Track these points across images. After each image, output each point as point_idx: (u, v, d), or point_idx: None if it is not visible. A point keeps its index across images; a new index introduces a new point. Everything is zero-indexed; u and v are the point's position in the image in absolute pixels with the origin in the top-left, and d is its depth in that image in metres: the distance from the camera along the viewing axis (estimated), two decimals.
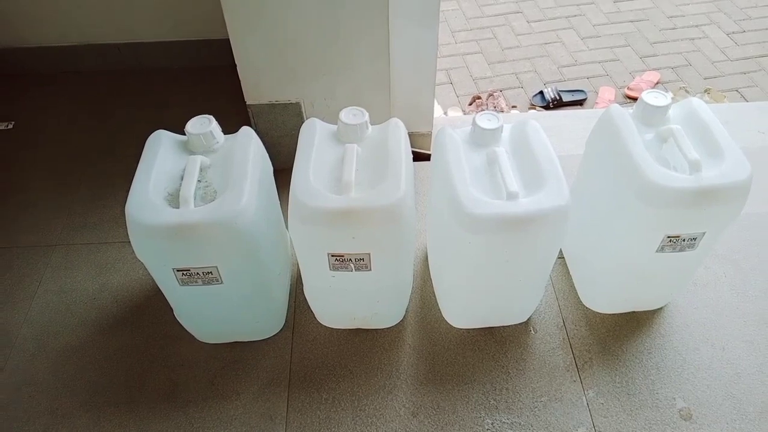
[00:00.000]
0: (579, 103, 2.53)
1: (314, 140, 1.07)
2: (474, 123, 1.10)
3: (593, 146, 1.16)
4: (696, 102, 1.11)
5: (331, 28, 1.41)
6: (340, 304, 1.17)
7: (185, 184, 0.97)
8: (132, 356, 1.22)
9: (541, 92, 2.54)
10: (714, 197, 0.97)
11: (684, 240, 1.04)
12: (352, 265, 1.03)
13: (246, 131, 1.09)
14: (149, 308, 1.29)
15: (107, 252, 1.41)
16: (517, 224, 0.97)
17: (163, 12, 1.82)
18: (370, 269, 1.04)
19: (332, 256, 1.02)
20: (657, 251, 1.05)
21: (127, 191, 0.97)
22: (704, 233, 1.03)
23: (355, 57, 1.48)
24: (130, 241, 0.96)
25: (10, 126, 1.74)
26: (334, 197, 0.96)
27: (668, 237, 1.03)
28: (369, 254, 1.01)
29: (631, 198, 1.01)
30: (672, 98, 2.62)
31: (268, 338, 1.24)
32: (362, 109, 1.10)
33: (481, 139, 1.10)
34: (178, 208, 0.95)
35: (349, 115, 1.09)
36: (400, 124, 1.10)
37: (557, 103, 2.48)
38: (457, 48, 2.88)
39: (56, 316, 1.29)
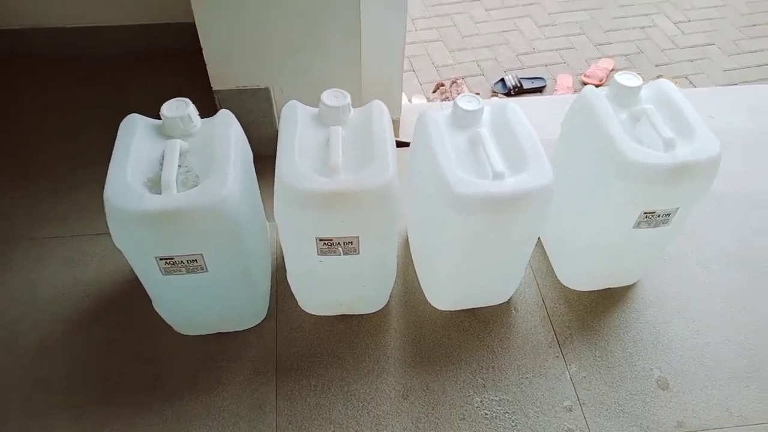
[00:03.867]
0: (539, 90, 2.58)
1: (297, 123, 1.05)
2: (455, 105, 1.10)
3: (569, 127, 1.19)
4: (666, 83, 1.16)
5: (301, 9, 1.37)
6: (327, 289, 1.16)
7: (166, 169, 0.93)
8: (108, 351, 1.18)
9: (503, 79, 2.58)
10: (688, 173, 1.01)
11: (659, 216, 1.08)
12: (340, 249, 1.03)
13: (225, 114, 1.06)
14: (124, 302, 1.24)
15: (76, 245, 1.34)
16: (504, 203, 0.98)
17: None
18: (359, 252, 1.04)
19: (320, 240, 1.01)
20: (634, 227, 1.09)
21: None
22: (677, 209, 1.07)
23: (326, 39, 1.45)
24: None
25: None
26: (322, 180, 0.95)
27: (645, 213, 1.07)
28: (358, 237, 1.01)
29: (610, 176, 1.04)
30: None
31: (251, 328, 1.21)
32: (343, 91, 1.09)
33: (462, 120, 1.11)
34: (159, 194, 0.92)
35: (331, 97, 1.07)
36: (383, 106, 1.10)
37: (518, 90, 2.53)
38: (418, 35, 2.88)
39: (25, 313, 1.22)
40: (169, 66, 1.79)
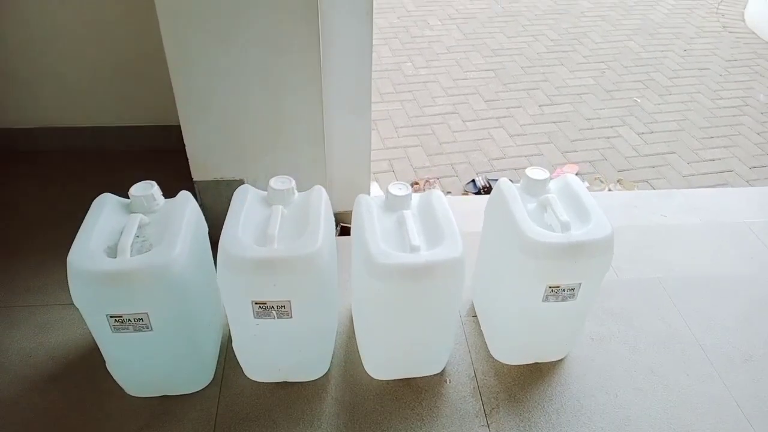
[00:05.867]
0: None
1: (245, 202, 1.22)
2: (387, 191, 1.27)
3: (489, 213, 1.35)
4: (570, 177, 1.33)
5: (272, 117, 1.61)
6: (265, 353, 1.27)
7: (123, 237, 1.09)
8: (62, 411, 1.26)
9: (473, 180, 2.80)
10: (581, 251, 1.15)
11: (564, 290, 1.20)
12: (274, 313, 1.15)
13: (184, 194, 1.24)
14: (83, 365, 1.34)
15: (48, 313, 1.47)
16: (417, 272, 1.12)
17: (122, 99, 2.01)
18: (291, 316, 1.15)
19: (256, 303, 1.13)
20: (543, 300, 1.21)
21: None
22: (580, 284, 1.20)
23: (292, 141, 1.68)
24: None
25: None
26: (257, 248, 1.10)
27: (550, 287, 1.19)
28: (289, 301, 1.13)
29: (516, 252, 1.18)
30: (588, 186, 2.90)
31: (196, 392, 1.30)
32: (290, 177, 1.26)
33: (393, 204, 1.27)
34: (115, 257, 1.06)
35: (277, 181, 1.25)
36: (322, 190, 1.27)
37: (487, 189, 2.73)
38: (399, 141, 3.16)
39: None
40: (163, 162, 2.01)
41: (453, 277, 1.15)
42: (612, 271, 1.68)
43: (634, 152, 3.13)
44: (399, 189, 1.28)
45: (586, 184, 2.83)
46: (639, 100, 3.58)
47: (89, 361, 1.34)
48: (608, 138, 3.25)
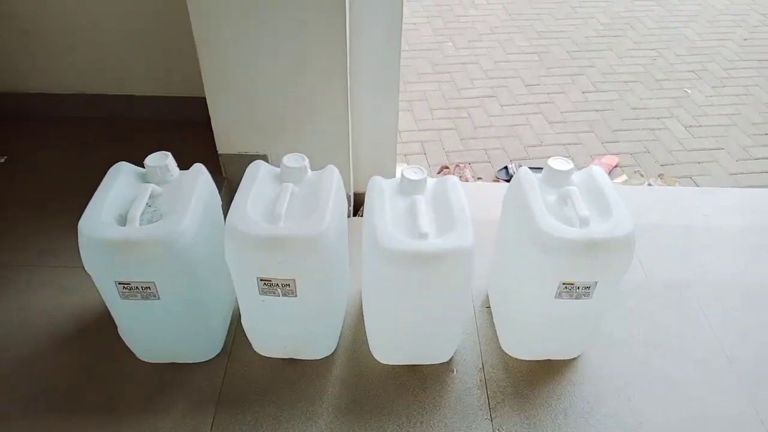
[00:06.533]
0: None
1: (257, 179, 1.21)
2: (402, 175, 1.24)
3: (507, 202, 1.30)
4: (595, 170, 1.26)
5: (295, 93, 1.60)
6: (271, 330, 1.27)
7: (134, 207, 1.10)
8: (76, 370, 1.31)
9: (506, 167, 2.72)
10: (599, 248, 1.09)
11: (579, 288, 1.15)
12: (279, 290, 1.14)
13: (197, 167, 1.24)
14: (99, 328, 1.38)
15: (70, 276, 1.51)
16: (424, 259, 1.09)
17: (153, 70, 2.04)
18: (296, 295, 1.15)
19: (261, 280, 1.13)
20: (556, 297, 1.16)
21: None
22: (596, 283, 1.14)
23: (316, 119, 1.66)
24: None
25: (2, 160, 1.90)
26: (264, 225, 1.09)
27: (563, 284, 1.14)
28: (294, 280, 1.13)
29: (530, 246, 1.14)
30: (626, 180, 2.79)
31: (204, 362, 1.32)
32: (303, 155, 1.25)
33: (407, 188, 1.24)
34: (124, 226, 1.08)
35: (291, 159, 1.24)
36: (335, 169, 1.25)
37: None
38: (434, 123, 3.10)
39: (11, 331, 1.38)
40: (190, 133, 2.04)
41: (461, 266, 1.12)
42: (641, 271, 1.61)
43: (679, 146, 2.98)
44: (414, 173, 1.25)
45: (625, 176, 2.72)
46: (690, 91, 3.40)
47: (104, 324, 1.37)
48: (653, 130, 3.10)
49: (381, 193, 1.21)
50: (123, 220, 1.10)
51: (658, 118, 3.18)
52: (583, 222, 1.11)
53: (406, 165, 2.65)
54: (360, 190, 1.92)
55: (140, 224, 1.08)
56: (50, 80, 2.07)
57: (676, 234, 1.78)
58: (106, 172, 1.21)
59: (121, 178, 1.19)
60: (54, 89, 2.08)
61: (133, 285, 1.10)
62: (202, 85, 1.60)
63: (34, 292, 1.48)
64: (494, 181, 2.69)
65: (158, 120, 2.07)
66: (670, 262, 1.66)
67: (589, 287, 1.15)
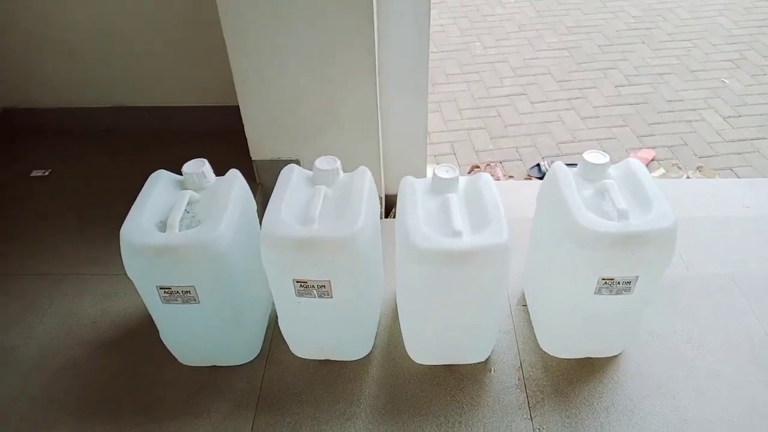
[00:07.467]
0: None
1: (290, 182, 1.23)
2: (433, 174, 1.24)
3: (541, 198, 1.29)
4: (633, 162, 1.24)
5: (326, 98, 1.62)
6: (308, 331, 1.28)
7: (173, 213, 1.13)
8: (120, 374, 1.34)
9: (538, 165, 2.69)
10: (639, 242, 1.07)
11: (619, 283, 1.13)
12: (315, 292, 1.15)
13: (233, 173, 1.26)
14: (141, 333, 1.42)
15: (113, 282, 1.56)
16: (458, 257, 1.08)
17: (186, 80, 2.09)
18: (332, 296, 1.16)
19: (297, 282, 1.14)
20: (595, 293, 1.14)
21: None
22: (637, 277, 1.12)
23: (346, 122, 1.68)
24: None
25: (47, 173, 1.98)
26: (298, 227, 1.11)
27: (603, 279, 1.12)
28: (329, 281, 1.13)
29: (567, 241, 1.12)
30: (664, 173, 2.72)
31: (243, 364, 1.34)
32: (335, 158, 1.26)
33: (439, 187, 1.24)
34: (164, 232, 1.11)
35: (323, 162, 1.25)
36: (366, 171, 1.25)
37: None
38: (463, 124, 3.09)
39: (58, 337, 1.43)
40: (225, 141, 2.08)
41: (497, 264, 1.11)
42: (682, 265, 1.57)
43: (718, 137, 2.90)
44: (445, 171, 1.24)
45: (662, 170, 2.66)
46: (727, 81, 3.30)
47: (146, 329, 1.41)
48: (690, 122, 3.02)
49: (413, 193, 1.21)
50: (163, 227, 1.13)
51: (694, 110, 3.10)
52: (622, 215, 1.09)
53: (436, 165, 2.66)
54: (390, 192, 1.92)
55: (179, 230, 1.11)
56: (89, 94, 2.14)
57: (717, 226, 1.73)
58: (144, 181, 1.24)
59: (159, 185, 1.22)
60: (92, 103, 2.15)
61: (173, 289, 1.13)
62: (235, 94, 1.64)
63: (80, 299, 1.53)
64: (526, 178, 2.66)
65: (193, 129, 2.12)
66: (712, 256, 1.61)
67: (629, 282, 1.12)
